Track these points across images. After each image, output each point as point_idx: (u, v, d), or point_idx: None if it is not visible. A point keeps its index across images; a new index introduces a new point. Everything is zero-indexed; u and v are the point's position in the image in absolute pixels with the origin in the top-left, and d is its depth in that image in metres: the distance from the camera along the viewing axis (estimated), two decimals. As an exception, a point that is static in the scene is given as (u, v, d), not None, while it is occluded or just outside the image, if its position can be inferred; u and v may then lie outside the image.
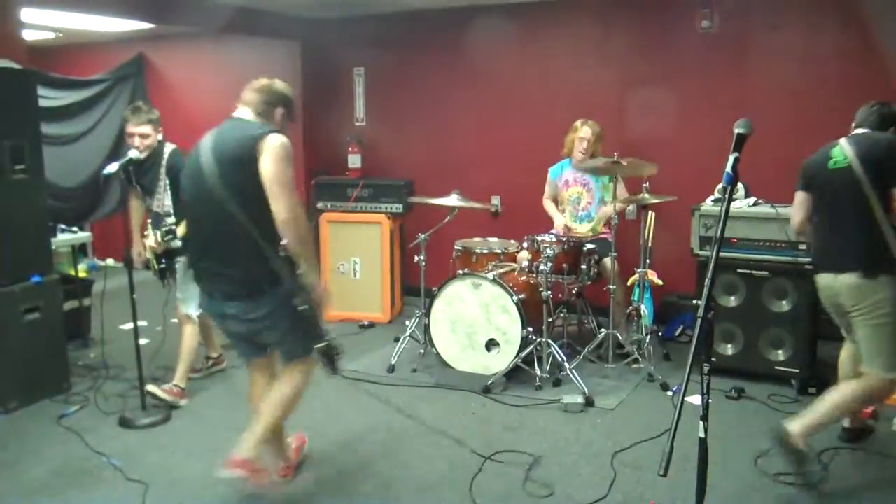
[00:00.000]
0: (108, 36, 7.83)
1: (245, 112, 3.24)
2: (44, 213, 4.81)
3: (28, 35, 5.78)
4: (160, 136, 4.61)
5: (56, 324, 4.79)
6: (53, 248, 5.01)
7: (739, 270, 4.69)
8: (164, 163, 4.57)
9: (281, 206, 3.02)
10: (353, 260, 6.43)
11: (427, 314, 5.07)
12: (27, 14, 5.31)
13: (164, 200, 4.60)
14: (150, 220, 4.71)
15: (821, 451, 3.71)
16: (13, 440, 4.13)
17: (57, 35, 7.65)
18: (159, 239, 4.43)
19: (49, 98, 6.88)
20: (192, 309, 4.64)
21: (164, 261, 4.57)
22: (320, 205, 6.61)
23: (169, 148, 4.62)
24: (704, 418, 2.17)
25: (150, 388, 4.47)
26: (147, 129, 4.51)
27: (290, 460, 3.69)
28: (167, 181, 4.55)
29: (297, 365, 3.40)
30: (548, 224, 5.65)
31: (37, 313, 4.63)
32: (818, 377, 4.58)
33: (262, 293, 3.15)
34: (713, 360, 2.14)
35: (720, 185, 2.33)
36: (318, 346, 3.25)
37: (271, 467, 3.51)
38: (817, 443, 3.76)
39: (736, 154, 2.35)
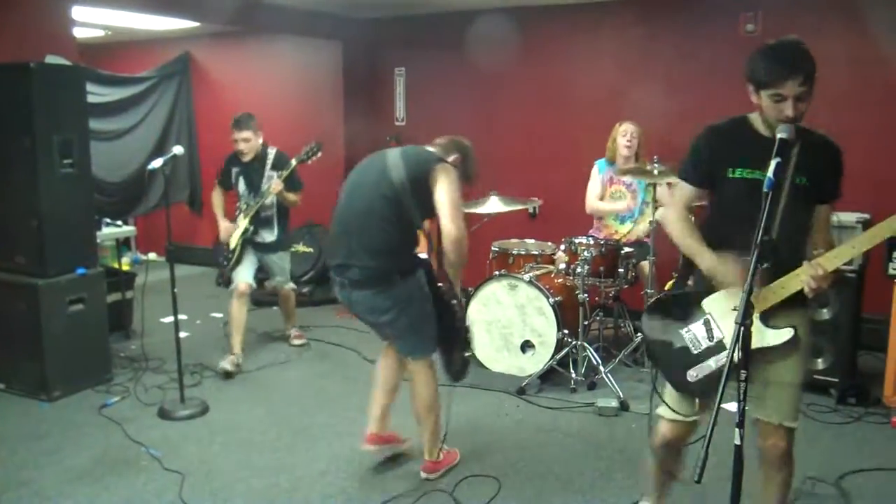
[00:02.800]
0: (155, 34, 7.97)
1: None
2: (90, 206, 4.92)
3: (78, 32, 5.92)
4: (261, 140, 5.28)
5: (99, 315, 4.89)
6: (98, 241, 5.11)
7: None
8: (269, 162, 5.28)
9: (452, 225, 3.38)
10: (390, 259, 6.46)
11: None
12: (78, 12, 5.43)
13: (266, 197, 5.24)
14: (240, 211, 5.37)
15: (842, 474, 3.61)
16: (56, 428, 4.23)
17: (106, 33, 7.80)
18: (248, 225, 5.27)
19: (97, 94, 7.01)
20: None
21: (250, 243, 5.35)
22: (359, 204, 6.65)
23: (272, 150, 5.35)
24: (741, 425, 2.13)
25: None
26: (249, 134, 5.20)
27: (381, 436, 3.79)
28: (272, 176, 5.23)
29: (417, 362, 3.57)
30: (585, 226, 5.61)
31: (81, 305, 4.73)
32: (858, 387, 4.51)
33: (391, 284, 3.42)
34: (750, 366, 2.09)
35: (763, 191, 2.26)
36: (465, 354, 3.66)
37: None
38: (837, 465, 3.72)
39: (778, 159, 2.30)
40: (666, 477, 3.02)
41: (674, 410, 2.75)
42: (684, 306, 2.69)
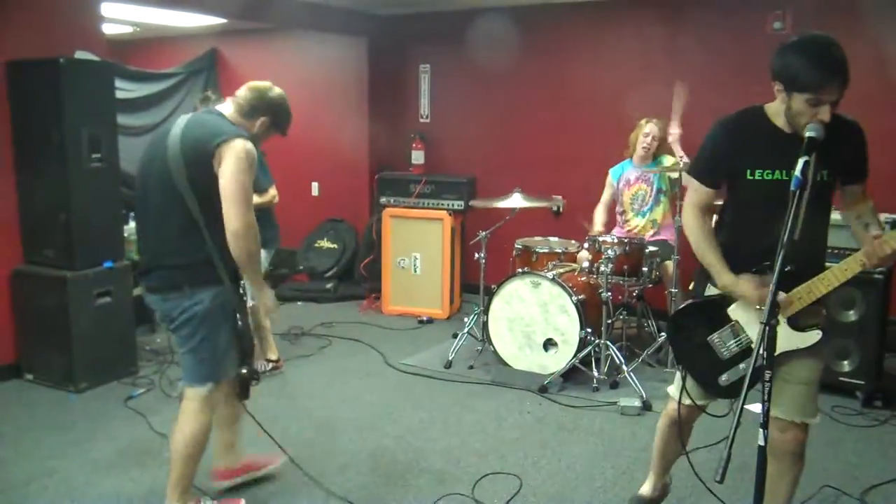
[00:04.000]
0: (183, 31, 8.03)
1: (227, 107, 3.07)
2: (118, 200, 4.97)
3: (107, 29, 5.98)
4: None
5: (126, 308, 4.95)
6: (125, 235, 5.17)
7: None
8: None
9: (232, 214, 2.81)
10: (413, 255, 6.48)
11: (485, 311, 5.08)
12: (107, 9, 5.49)
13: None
14: None
15: (867, 487, 3.53)
16: (82, 419, 4.28)
17: (134, 29, 7.88)
18: None
19: (125, 90, 7.06)
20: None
21: None
22: (383, 200, 6.69)
23: None
24: (764, 426, 2.12)
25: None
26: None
27: (232, 469, 3.46)
28: None
29: (195, 393, 3.07)
30: (608, 225, 5.59)
31: (108, 298, 4.79)
32: (884, 390, 4.46)
33: (180, 290, 2.93)
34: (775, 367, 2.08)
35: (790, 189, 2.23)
36: (241, 372, 3.09)
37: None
38: (863, 471, 3.67)
39: (806, 158, 2.27)
40: (670, 455, 3.13)
41: (690, 396, 2.77)
42: (711, 313, 2.69)
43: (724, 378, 2.67)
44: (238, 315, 3.04)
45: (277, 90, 3.16)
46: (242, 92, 3.10)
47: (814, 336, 2.52)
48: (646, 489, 3.25)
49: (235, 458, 3.47)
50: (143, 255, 3.13)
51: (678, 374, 2.84)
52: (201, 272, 2.91)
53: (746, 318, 2.62)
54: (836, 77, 2.30)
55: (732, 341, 2.65)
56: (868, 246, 2.39)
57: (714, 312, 2.68)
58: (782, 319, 2.44)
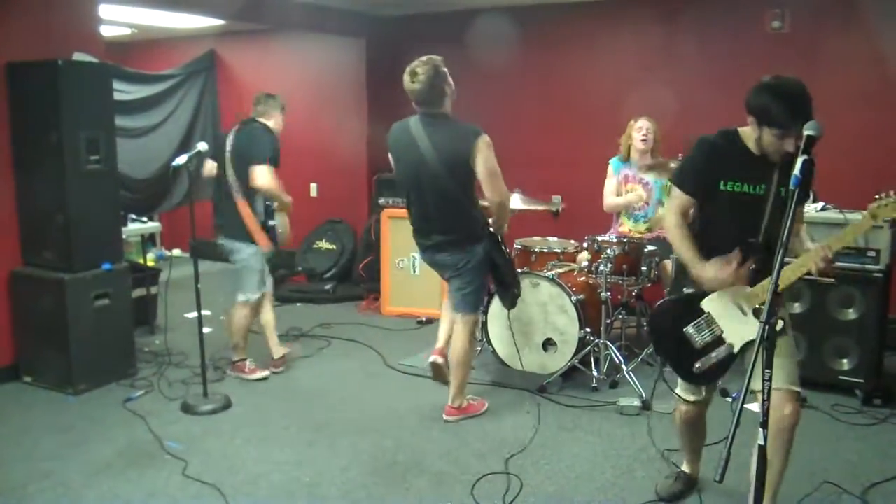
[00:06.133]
0: (181, 32, 8.04)
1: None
2: (116, 202, 4.97)
3: (105, 31, 5.99)
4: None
5: (124, 310, 4.94)
6: (124, 237, 5.16)
7: (804, 276, 4.56)
8: None
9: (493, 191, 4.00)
10: (412, 256, 6.47)
11: (484, 312, 5.07)
12: (105, 11, 5.49)
13: None
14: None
15: (867, 486, 3.53)
16: (81, 421, 4.28)
17: (133, 31, 7.88)
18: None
19: (123, 92, 7.07)
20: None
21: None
22: (381, 201, 6.68)
23: None
24: (764, 425, 2.13)
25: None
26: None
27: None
28: None
29: (468, 318, 4.20)
30: (607, 224, 5.59)
31: (106, 300, 4.79)
32: (883, 389, 4.45)
33: (462, 250, 4.07)
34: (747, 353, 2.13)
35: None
36: (511, 291, 4.26)
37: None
38: (862, 469, 3.66)
39: (805, 156, 2.29)
40: (695, 444, 3.43)
41: (683, 398, 3.22)
42: (686, 307, 3.02)
43: (697, 366, 2.98)
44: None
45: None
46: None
47: (777, 325, 2.63)
48: (686, 468, 3.52)
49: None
50: None
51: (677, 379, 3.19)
52: None
53: (717, 311, 2.95)
54: (800, 119, 2.53)
55: (706, 331, 2.97)
56: (814, 250, 2.71)
57: (689, 306, 3.00)
58: (748, 311, 2.85)
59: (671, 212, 3.04)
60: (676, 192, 3.03)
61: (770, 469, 2.69)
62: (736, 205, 2.88)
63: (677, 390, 3.24)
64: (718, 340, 2.94)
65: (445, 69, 4.12)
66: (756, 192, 2.84)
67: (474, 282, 4.14)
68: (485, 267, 4.13)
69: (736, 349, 2.89)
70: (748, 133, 2.86)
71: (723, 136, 2.95)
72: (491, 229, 4.15)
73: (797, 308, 4.61)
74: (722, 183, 2.88)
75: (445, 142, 3.95)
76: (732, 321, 2.89)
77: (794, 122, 2.62)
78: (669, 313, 3.10)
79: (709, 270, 2.88)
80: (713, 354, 2.94)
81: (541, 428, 4.21)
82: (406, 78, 4.11)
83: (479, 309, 4.36)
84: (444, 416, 4.27)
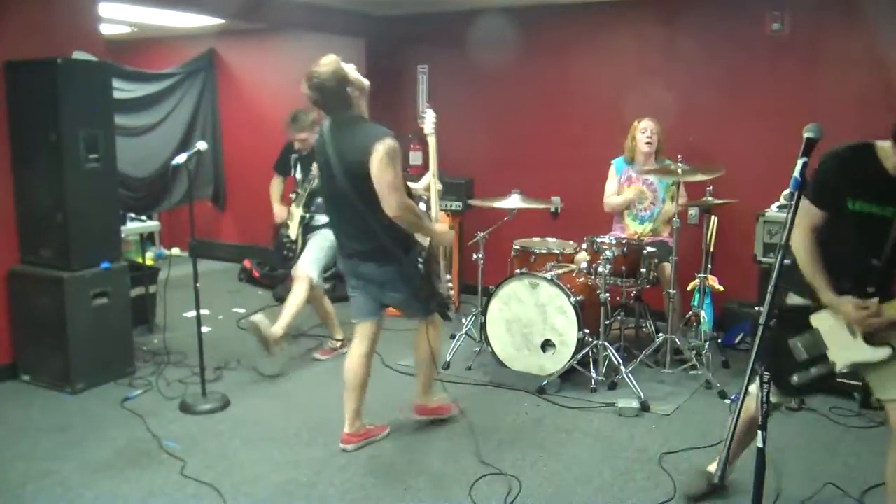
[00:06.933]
0: (181, 31, 8.03)
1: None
2: (115, 201, 4.96)
3: (105, 29, 5.98)
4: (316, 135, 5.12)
5: (123, 309, 4.94)
6: (123, 236, 5.15)
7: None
8: None
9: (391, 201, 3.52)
10: (411, 256, 6.46)
11: (483, 313, 5.07)
12: (105, 9, 5.48)
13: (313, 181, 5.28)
14: (295, 198, 5.43)
15: (866, 488, 3.52)
16: (79, 420, 4.27)
17: (132, 29, 7.87)
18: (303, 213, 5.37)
19: (123, 90, 7.06)
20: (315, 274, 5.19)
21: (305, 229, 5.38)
22: (381, 201, 6.66)
23: None
24: (763, 428, 2.13)
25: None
26: (305, 134, 5.26)
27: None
28: None
29: (427, 322, 3.99)
30: (606, 225, 5.59)
31: (105, 298, 4.78)
32: (883, 391, 4.45)
33: (381, 261, 3.69)
34: (833, 375, 2.11)
35: (787, 191, 2.31)
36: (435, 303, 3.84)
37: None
38: (861, 472, 3.66)
39: (805, 159, 2.29)
40: (745, 443, 3.31)
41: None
42: (796, 319, 2.96)
43: (795, 379, 2.93)
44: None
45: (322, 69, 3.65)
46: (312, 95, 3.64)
47: (883, 353, 2.79)
48: (712, 468, 3.49)
49: (430, 398, 4.27)
50: None
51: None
52: None
53: (826, 329, 2.88)
54: None
55: (812, 347, 2.90)
56: None
57: (799, 319, 2.94)
58: (858, 335, 2.79)
59: (799, 226, 2.84)
60: (807, 205, 2.83)
61: None
62: (863, 225, 2.76)
63: (753, 387, 3.19)
64: (821, 358, 2.89)
65: (346, 69, 3.71)
66: (884, 213, 2.70)
67: (410, 294, 3.81)
68: (406, 279, 3.76)
69: (837, 369, 2.85)
70: (886, 150, 2.71)
71: (855, 150, 2.79)
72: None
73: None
74: (851, 201, 2.76)
75: (347, 148, 3.57)
76: (840, 341, 2.84)
77: None
78: (788, 321, 3.02)
79: (845, 307, 2.79)
80: (813, 370, 2.91)
81: (539, 429, 4.21)
82: (303, 83, 3.65)
83: (430, 311, 3.93)
84: (414, 416, 4.27)
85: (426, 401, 4.25)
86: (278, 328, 4.94)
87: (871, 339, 2.80)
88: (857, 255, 2.67)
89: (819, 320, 2.91)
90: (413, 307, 3.93)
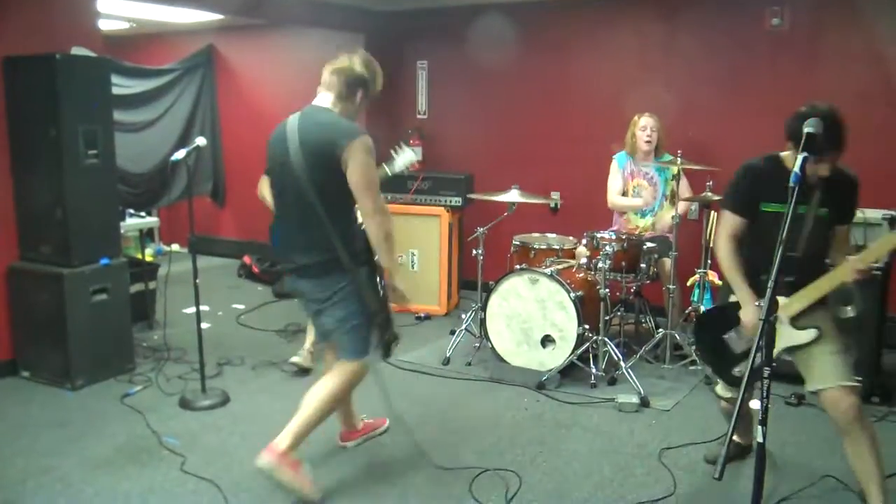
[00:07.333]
0: (180, 26, 8.02)
1: (326, 98, 3.30)
2: (114, 197, 4.96)
3: (104, 25, 5.97)
4: None
5: (122, 305, 4.93)
6: (122, 232, 5.15)
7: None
8: None
9: (368, 203, 3.18)
10: (411, 252, 6.48)
11: (483, 308, 5.07)
12: (103, 4, 5.47)
13: None
14: None
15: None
16: (79, 416, 4.27)
17: (131, 25, 7.87)
18: None
19: (122, 86, 7.06)
20: None
21: None
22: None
23: None
24: (763, 423, 2.14)
25: (293, 359, 5.00)
26: None
27: (356, 428, 3.96)
28: None
29: (349, 363, 3.39)
30: (606, 220, 5.59)
31: (104, 295, 4.78)
32: (882, 386, 4.46)
33: (329, 277, 3.24)
34: (773, 364, 2.12)
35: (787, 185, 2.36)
36: (385, 337, 3.37)
37: (309, 475, 3.36)
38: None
39: (805, 154, 2.31)
40: (744, 422, 3.58)
41: (723, 396, 3.45)
42: (729, 315, 3.20)
43: (737, 370, 3.20)
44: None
45: (357, 60, 3.36)
46: (330, 77, 3.32)
47: (810, 334, 3.00)
48: (737, 438, 3.69)
49: (355, 422, 3.95)
50: None
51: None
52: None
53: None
54: (837, 147, 2.82)
55: (744, 339, 3.16)
56: (848, 264, 2.92)
57: (731, 315, 3.18)
58: (785, 320, 2.98)
59: (721, 237, 3.20)
60: (726, 214, 3.20)
61: (864, 467, 2.98)
62: (777, 224, 2.86)
63: (717, 388, 3.47)
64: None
65: (377, 72, 3.44)
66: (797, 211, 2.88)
67: (350, 318, 3.28)
68: (359, 301, 3.27)
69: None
70: (788, 157, 3.00)
71: (764, 161, 3.11)
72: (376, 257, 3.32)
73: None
74: (763, 204, 3.05)
75: (314, 140, 3.14)
76: None
77: (829, 149, 2.75)
78: (713, 320, 3.36)
79: (746, 312, 3.09)
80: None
81: (539, 424, 4.22)
82: (329, 65, 3.39)
83: (365, 352, 3.37)
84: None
85: (352, 425, 3.95)
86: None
87: (797, 324, 3.01)
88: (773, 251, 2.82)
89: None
90: (351, 337, 3.33)
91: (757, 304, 2.99)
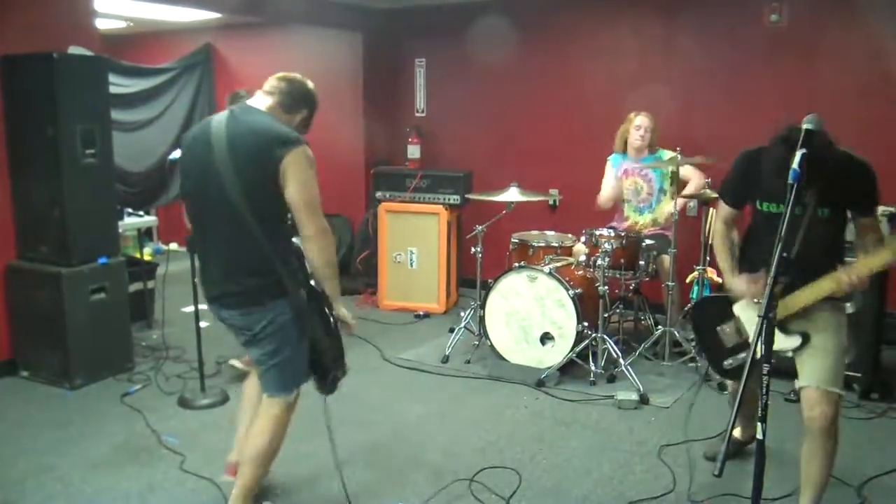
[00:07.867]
0: (177, 25, 8.01)
1: (263, 101, 2.90)
2: (112, 196, 4.95)
3: (101, 24, 5.96)
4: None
5: (121, 304, 4.93)
6: (120, 231, 5.14)
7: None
8: None
9: (310, 224, 2.81)
10: (409, 250, 6.47)
11: (482, 306, 5.07)
12: (101, 3, 5.46)
13: None
14: None
15: (864, 480, 3.53)
16: (78, 416, 4.27)
17: (128, 24, 7.85)
18: None
19: (119, 85, 7.05)
20: None
21: None
22: (379, 194, 6.66)
23: None
24: (763, 420, 2.14)
25: (232, 361, 4.82)
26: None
27: None
28: None
29: (276, 401, 3.03)
30: (604, 218, 5.58)
31: (103, 294, 4.77)
32: (881, 383, 4.46)
33: (261, 305, 2.84)
34: (773, 361, 2.12)
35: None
36: (333, 372, 3.07)
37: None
38: (859, 463, 3.65)
39: (804, 150, 2.30)
40: (748, 411, 3.52)
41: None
42: (721, 307, 3.21)
43: (728, 362, 3.20)
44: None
45: (309, 81, 3.01)
46: (277, 84, 2.91)
47: (794, 340, 2.93)
48: (737, 433, 3.72)
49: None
50: None
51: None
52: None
53: (746, 316, 3.12)
54: (821, 176, 2.52)
55: (735, 334, 3.17)
56: (840, 274, 2.74)
57: (724, 307, 3.19)
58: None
59: (717, 219, 3.22)
60: (721, 202, 3.19)
61: (811, 471, 2.93)
62: (773, 223, 2.72)
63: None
64: (746, 343, 3.09)
65: (315, 103, 3.04)
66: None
67: (282, 350, 2.91)
68: (296, 331, 2.90)
69: (759, 355, 2.88)
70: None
71: (766, 151, 2.80)
72: (313, 282, 2.96)
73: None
74: (759, 202, 2.97)
75: (247, 145, 2.73)
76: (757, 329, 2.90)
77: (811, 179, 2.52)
78: (708, 310, 3.37)
79: (738, 284, 3.03)
80: (741, 355, 3.13)
81: (538, 422, 4.21)
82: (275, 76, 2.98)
83: (294, 388, 3.04)
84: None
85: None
86: None
87: (785, 328, 2.92)
88: (771, 249, 2.54)
89: (740, 308, 3.15)
90: (277, 372, 2.98)
91: (756, 301, 2.92)
